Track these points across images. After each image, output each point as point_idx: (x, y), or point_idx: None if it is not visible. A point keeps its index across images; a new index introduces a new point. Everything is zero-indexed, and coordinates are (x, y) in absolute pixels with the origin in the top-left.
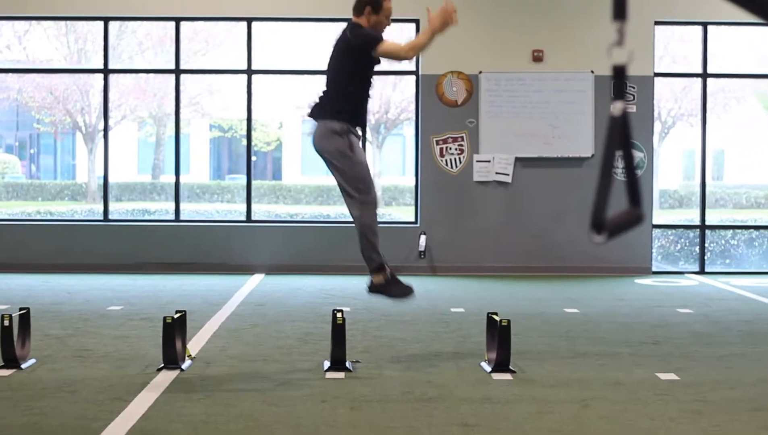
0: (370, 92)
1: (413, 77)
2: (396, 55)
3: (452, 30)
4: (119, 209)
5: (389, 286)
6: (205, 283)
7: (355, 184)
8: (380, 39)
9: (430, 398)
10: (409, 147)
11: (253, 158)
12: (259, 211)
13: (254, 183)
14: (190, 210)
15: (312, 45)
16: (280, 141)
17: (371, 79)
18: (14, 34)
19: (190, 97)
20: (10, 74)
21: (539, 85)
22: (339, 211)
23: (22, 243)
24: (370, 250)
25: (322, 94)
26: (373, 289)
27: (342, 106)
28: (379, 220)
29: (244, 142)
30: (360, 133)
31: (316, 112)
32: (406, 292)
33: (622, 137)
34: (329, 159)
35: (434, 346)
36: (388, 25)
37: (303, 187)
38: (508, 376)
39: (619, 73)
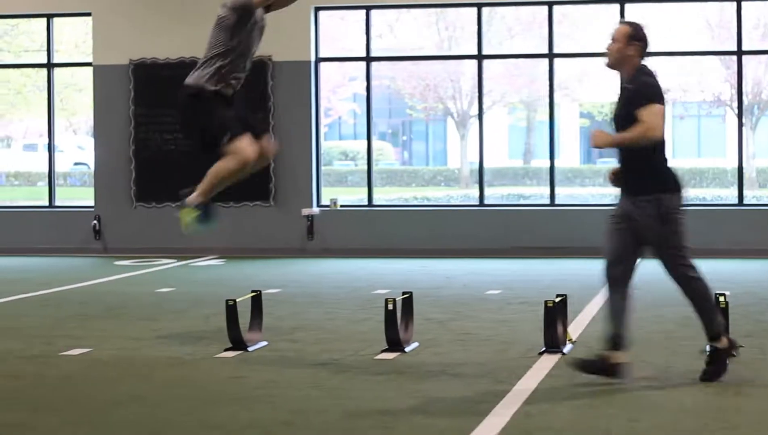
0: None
1: None
2: None
3: None
4: (493, 194)
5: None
6: (582, 266)
7: None
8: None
9: None
10: None
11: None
12: None
13: None
14: (563, 194)
15: (683, 26)
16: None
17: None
18: (385, 23)
19: (559, 81)
20: (383, 63)
21: None
22: (714, 193)
23: (399, 228)
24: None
25: None
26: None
27: None
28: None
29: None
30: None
31: None
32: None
33: None
34: None
35: None
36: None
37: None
38: None
39: None
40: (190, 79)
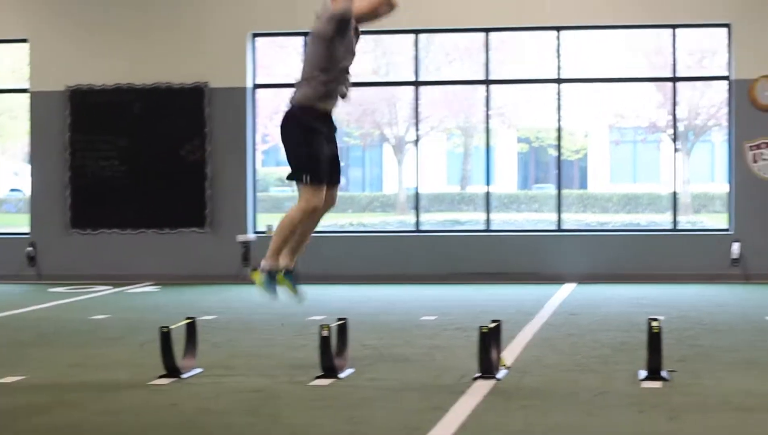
0: None
1: (724, 82)
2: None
3: (765, 33)
4: (429, 220)
5: None
6: (517, 292)
7: None
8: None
9: (750, 407)
10: (719, 153)
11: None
12: (568, 220)
13: (562, 192)
14: (499, 220)
15: (618, 53)
16: (586, 149)
17: None
18: None
19: (497, 108)
20: None
21: None
22: (649, 219)
23: (335, 254)
24: None
25: None
26: None
27: None
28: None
29: (551, 151)
30: None
31: None
32: None
33: None
34: None
35: (752, 355)
36: None
37: (611, 196)
38: None
39: None
40: (299, 97)
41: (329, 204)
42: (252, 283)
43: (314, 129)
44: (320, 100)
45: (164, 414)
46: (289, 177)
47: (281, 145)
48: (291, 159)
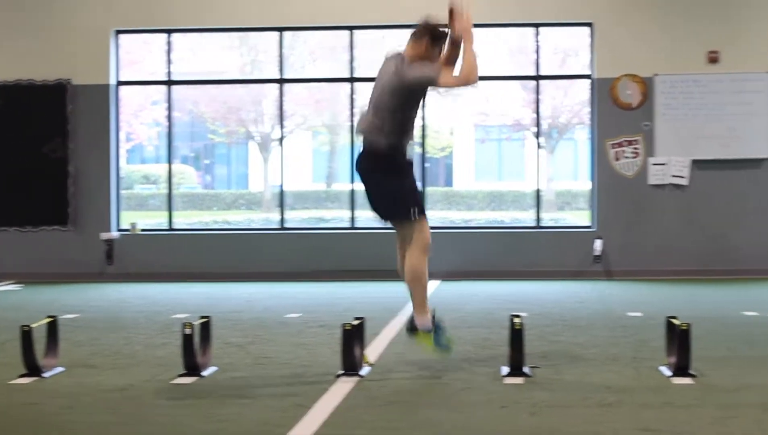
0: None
1: (587, 81)
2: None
3: (626, 32)
4: (294, 218)
5: None
6: (382, 290)
7: None
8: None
9: (610, 403)
10: (582, 151)
11: (426, 165)
12: (434, 217)
13: (427, 189)
14: (364, 217)
15: (483, 51)
16: (451, 147)
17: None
18: (188, 46)
19: (362, 106)
20: (184, 86)
21: (715, 86)
22: (513, 216)
23: (200, 252)
24: None
25: None
26: None
27: None
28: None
29: (417, 149)
30: None
31: None
32: None
33: None
34: None
35: (612, 351)
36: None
37: (476, 193)
38: (688, 381)
39: None
40: (384, 140)
41: None
42: (419, 345)
43: (407, 163)
44: (405, 141)
45: (25, 413)
46: (391, 217)
47: (368, 189)
48: (390, 198)
